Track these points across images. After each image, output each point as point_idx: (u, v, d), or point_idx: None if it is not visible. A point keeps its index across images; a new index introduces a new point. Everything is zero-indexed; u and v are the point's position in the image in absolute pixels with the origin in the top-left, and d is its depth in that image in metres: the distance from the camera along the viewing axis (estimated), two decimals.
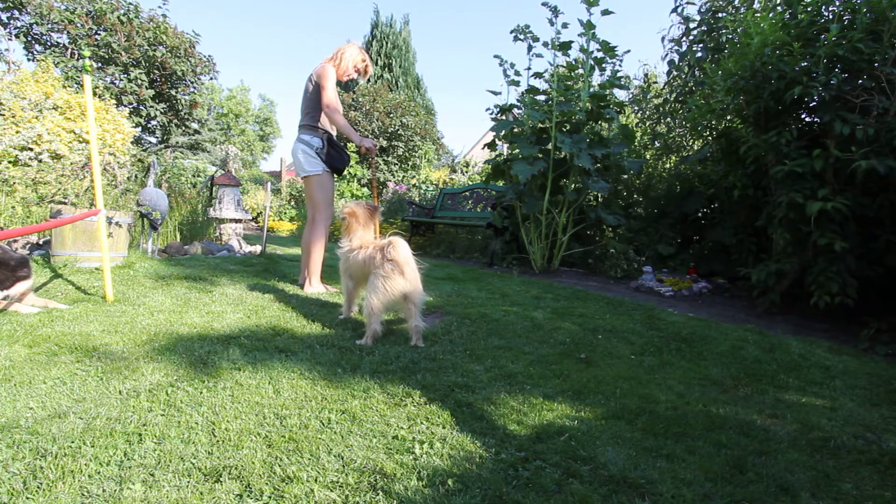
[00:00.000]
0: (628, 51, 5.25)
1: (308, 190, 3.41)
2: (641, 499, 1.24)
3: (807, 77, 3.16)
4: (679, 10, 5.59)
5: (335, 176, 3.46)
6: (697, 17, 5.37)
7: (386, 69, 16.18)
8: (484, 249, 6.33)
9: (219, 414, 1.57)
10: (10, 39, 7.34)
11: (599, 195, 5.48)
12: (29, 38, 7.49)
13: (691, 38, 5.43)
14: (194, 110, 8.94)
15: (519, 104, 5.34)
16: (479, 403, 1.75)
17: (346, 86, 3.57)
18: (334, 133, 3.54)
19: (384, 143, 13.44)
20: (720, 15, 5.05)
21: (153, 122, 8.41)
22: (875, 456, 1.52)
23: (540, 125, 5.16)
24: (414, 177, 12.82)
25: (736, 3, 4.95)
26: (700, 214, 5.38)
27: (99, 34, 7.30)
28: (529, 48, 5.08)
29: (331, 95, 3.24)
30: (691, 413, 1.76)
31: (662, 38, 5.86)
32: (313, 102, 3.34)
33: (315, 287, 3.51)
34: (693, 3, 5.52)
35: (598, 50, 4.93)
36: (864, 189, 3.17)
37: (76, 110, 4.87)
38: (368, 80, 15.65)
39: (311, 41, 73.30)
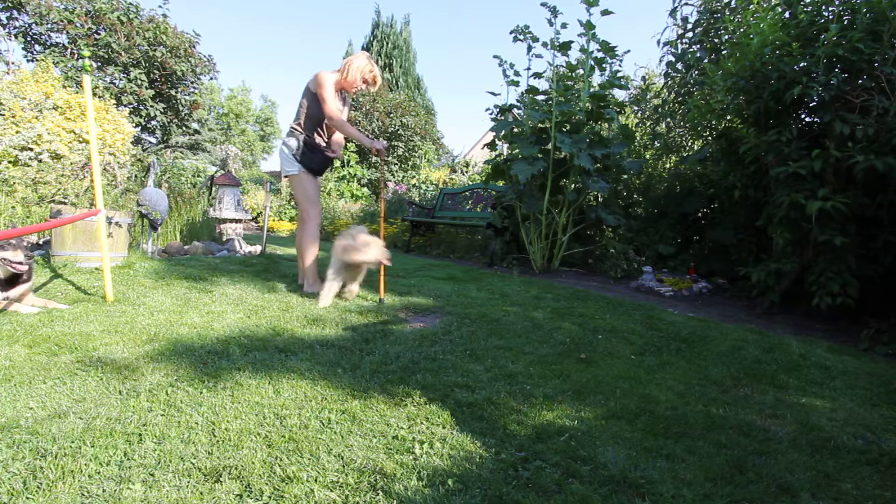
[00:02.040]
0: (628, 51, 5.25)
1: (292, 189, 3.60)
2: (641, 499, 1.24)
3: (806, 77, 3.16)
4: (675, 12, 5.60)
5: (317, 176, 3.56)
6: (694, 19, 5.38)
7: (386, 69, 16.18)
8: (484, 249, 6.33)
9: (219, 414, 1.57)
10: (9, 39, 7.35)
11: (599, 195, 5.47)
12: (28, 39, 7.49)
13: (688, 39, 5.43)
14: (195, 111, 8.95)
15: (519, 104, 5.34)
16: (479, 403, 1.75)
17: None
18: (340, 137, 3.62)
19: (384, 143, 13.45)
20: (717, 16, 5.05)
21: (153, 122, 8.42)
22: (875, 456, 1.52)
23: (540, 125, 5.16)
24: (414, 177, 12.84)
25: (732, 3, 4.95)
26: (700, 214, 5.38)
27: (98, 34, 7.31)
28: (529, 48, 5.08)
29: (331, 106, 3.29)
30: (691, 413, 1.76)
31: (658, 41, 5.87)
32: (305, 108, 3.42)
33: (314, 287, 3.51)
34: (690, 5, 5.52)
35: (598, 50, 4.92)
36: (864, 189, 3.17)
37: (76, 110, 4.87)
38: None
39: (312, 41, 73.36)
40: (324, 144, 3.54)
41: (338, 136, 3.65)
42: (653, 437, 1.56)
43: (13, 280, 2.70)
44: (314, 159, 3.43)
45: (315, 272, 3.55)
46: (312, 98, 3.37)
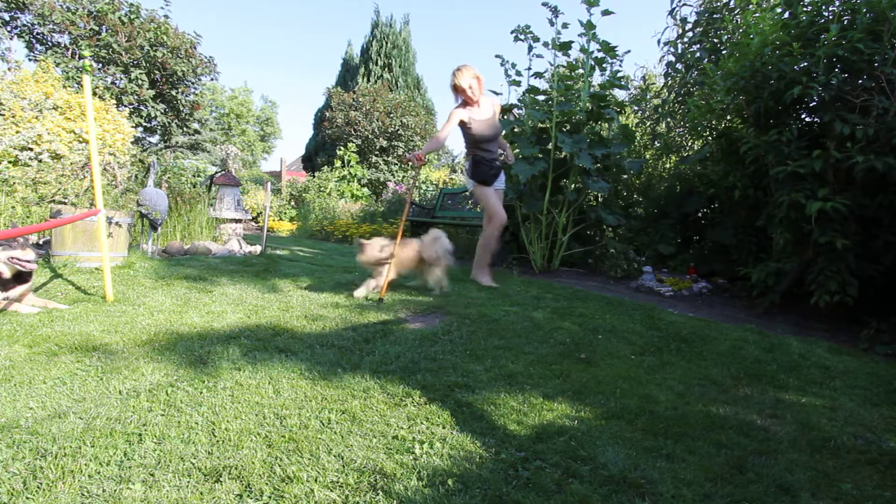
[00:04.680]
0: (628, 51, 5.25)
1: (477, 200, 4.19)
2: (641, 499, 1.24)
3: (807, 77, 3.16)
4: (674, 12, 5.60)
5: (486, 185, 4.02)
6: (693, 19, 5.38)
7: (386, 69, 16.16)
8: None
9: (219, 414, 1.57)
10: (10, 39, 7.35)
11: (599, 195, 5.47)
12: (30, 39, 7.49)
13: (687, 39, 5.43)
14: (196, 111, 8.94)
15: (519, 104, 5.34)
16: (479, 403, 1.75)
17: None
18: (498, 154, 4.06)
19: (384, 143, 13.43)
20: (716, 16, 5.05)
21: (154, 123, 8.41)
22: (875, 456, 1.52)
23: (540, 125, 5.16)
24: (414, 177, 12.80)
25: (731, 3, 4.95)
26: (700, 214, 5.38)
27: (100, 35, 7.30)
28: (530, 48, 5.08)
29: (442, 131, 3.86)
30: (691, 413, 1.76)
31: (658, 41, 5.87)
32: (463, 136, 4.01)
33: (483, 280, 4.03)
34: (689, 5, 5.53)
35: (599, 50, 4.92)
36: (864, 189, 3.17)
37: (76, 110, 4.87)
38: (373, 84, 15.62)
39: (312, 41, 73.35)
40: (491, 157, 3.96)
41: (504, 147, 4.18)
42: (653, 437, 1.56)
43: (18, 278, 2.71)
44: (479, 172, 3.94)
45: (484, 267, 4.09)
46: (460, 126, 3.93)
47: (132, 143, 5.46)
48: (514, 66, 5.26)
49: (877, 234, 3.20)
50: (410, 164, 4.03)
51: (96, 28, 7.34)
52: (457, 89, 3.78)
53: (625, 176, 5.93)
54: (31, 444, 1.34)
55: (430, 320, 2.91)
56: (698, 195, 5.19)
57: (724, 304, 3.98)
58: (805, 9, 3.38)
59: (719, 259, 4.78)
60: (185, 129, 9.10)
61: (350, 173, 12.44)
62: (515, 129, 5.23)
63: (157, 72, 7.96)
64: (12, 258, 2.64)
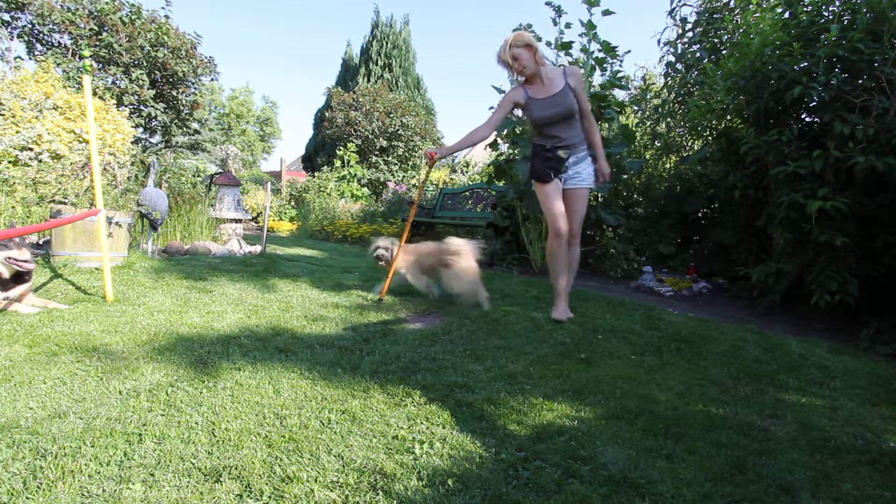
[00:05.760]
0: (629, 51, 5.26)
1: None
2: (641, 499, 1.24)
3: (807, 77, 3.16)
4: (674, 12, 5.61)
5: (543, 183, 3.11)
6: (693, 19, 5.39)
7: (386, 69, 16.15)
8: (484, 250, 6.33)
9: (219, 414, 1.57)
10: (10, 39, 7.35)
11: (599, 195, 5.48)
12: (30, 39, 7.50)
13: (687, 39, 5.44)
14: (195, 111, 8.95)
15: None
16: (479, 403, 1.75)
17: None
18: (570, 141, 3.11)
19: (384, 143, 13.43)
20: (716, 16, 5.05)
21: (154, 123, 8.41)
22: (875, 456, 1.52)
23: None
24: (414, 177, 12.84)
25: (731, 4, 4.95)
26: (700, 214, 5.38)
27: (101, 35, 7.30)
28: None
29: (486, 122, 3.10)
30: (691, 413, 1.76)
31: (658, 41, 5.88)
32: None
33: (553, 313, 3.11)
34: (689, 5, 5.53)
35: (599, 50, 4.93)
36: (864, 189, 3.17)
37: (76, 110, 4.87)
38: (375, 80, 15.62)
39: (312, 41, 73.35)
40: (555, 143, 3.07)
41: (581, 129, 3.17)
42: (653, 437, 1.56)
43: (17, 278, 2.71)
44: (531, 166, 3.18)
45: (556, 291, 3.12)
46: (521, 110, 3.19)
47: (132, 143, 5.46)
48: None
49: (876, 234, 3.20)
50: (424, 161, 3.33)
51: (97, 28, 7.34)
52: (501, 63, 3.02)
53: (625, 176, 5.93)
54: (31, 444, 1.34)
55: (430, 320, 2.91)
56: (698, 195, 5.19)
57: (724, 304, 3.98)
58: (805, 9, 3.38)
59: (719, 259, 4.78)
60: (185, 129, 9.10)
61: (350, 173, 12.44)
62: (517, 129, 5.23)
63: (157, 72, 7.96)
64: (9, 258, 2.64)
